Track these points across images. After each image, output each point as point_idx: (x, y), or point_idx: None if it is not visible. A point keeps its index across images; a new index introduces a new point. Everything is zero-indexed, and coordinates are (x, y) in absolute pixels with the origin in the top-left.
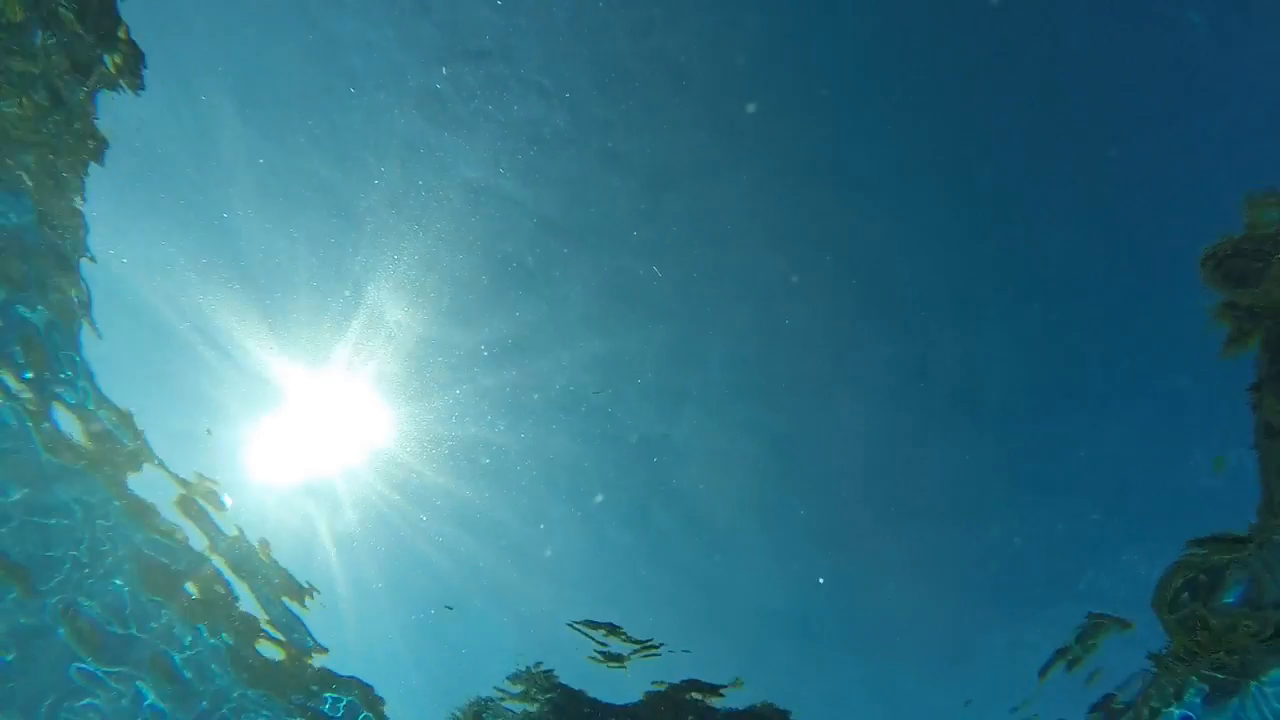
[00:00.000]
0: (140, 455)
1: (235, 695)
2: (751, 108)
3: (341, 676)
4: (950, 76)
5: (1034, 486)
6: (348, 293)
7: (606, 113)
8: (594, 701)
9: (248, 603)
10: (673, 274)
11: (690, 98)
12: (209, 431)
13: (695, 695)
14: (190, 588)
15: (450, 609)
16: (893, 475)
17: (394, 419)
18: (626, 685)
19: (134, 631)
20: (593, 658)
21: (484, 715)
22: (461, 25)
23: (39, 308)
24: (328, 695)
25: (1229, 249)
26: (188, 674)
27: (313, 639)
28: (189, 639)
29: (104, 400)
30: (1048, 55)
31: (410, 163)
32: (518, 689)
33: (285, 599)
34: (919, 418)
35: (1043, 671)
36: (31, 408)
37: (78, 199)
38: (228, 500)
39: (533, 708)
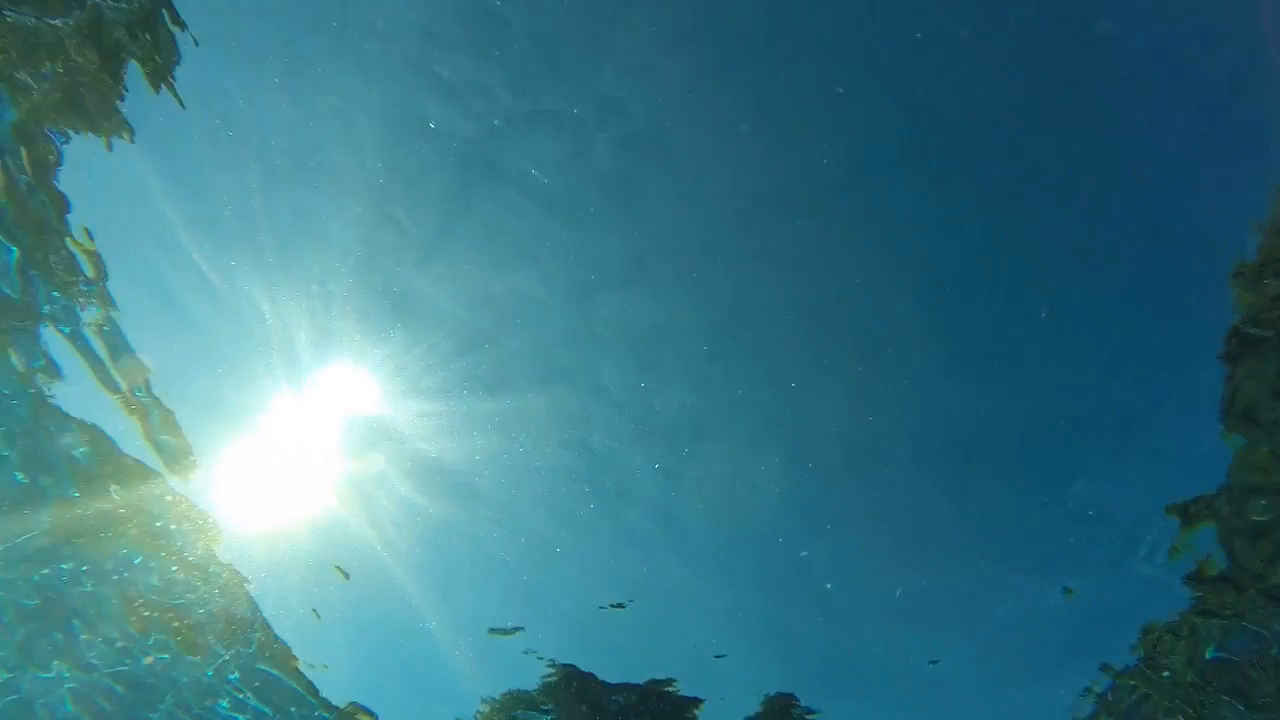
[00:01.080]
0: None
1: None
2: (751, 91)
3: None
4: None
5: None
6: (346, 279)
7: (610, 94)
8: (592, 677)
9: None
10: (673, 253)
11: (692, 83)
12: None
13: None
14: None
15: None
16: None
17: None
18: (626, 673)
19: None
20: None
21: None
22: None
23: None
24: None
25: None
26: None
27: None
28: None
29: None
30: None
31: (410, 144)
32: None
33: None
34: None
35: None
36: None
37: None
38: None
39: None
